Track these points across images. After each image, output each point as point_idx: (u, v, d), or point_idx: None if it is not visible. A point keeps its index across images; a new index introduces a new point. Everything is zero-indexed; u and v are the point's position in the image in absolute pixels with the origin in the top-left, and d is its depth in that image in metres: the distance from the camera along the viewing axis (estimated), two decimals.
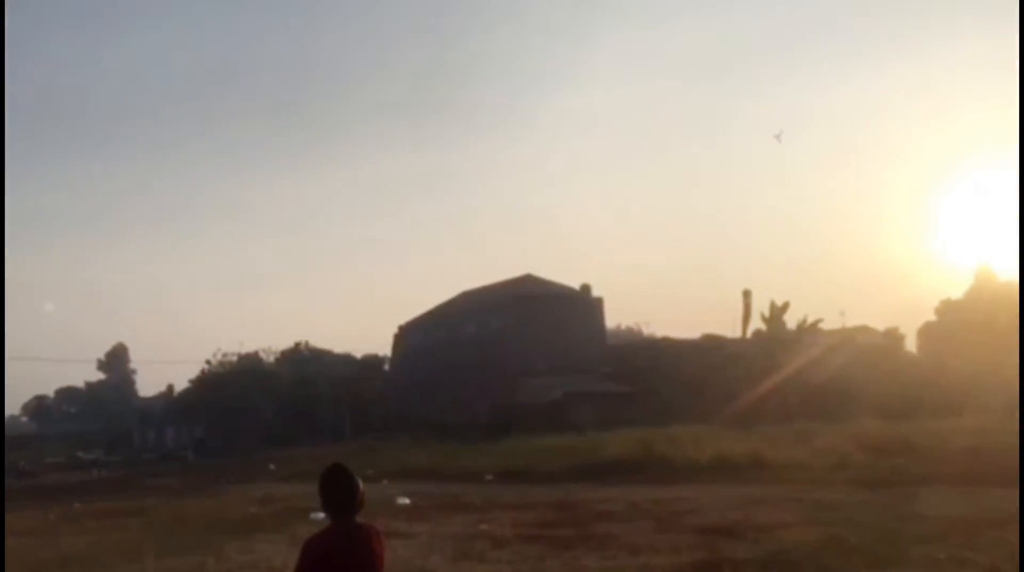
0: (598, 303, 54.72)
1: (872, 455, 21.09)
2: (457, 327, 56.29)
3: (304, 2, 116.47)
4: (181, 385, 67.86)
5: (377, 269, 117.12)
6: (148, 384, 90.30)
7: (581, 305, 53.46)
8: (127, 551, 13.31)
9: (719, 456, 21.84)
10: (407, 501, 18.19)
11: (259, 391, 54.45)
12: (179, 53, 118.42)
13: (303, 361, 61.85)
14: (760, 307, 44.83)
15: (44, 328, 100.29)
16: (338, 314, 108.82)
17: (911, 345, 51.10)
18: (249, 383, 55.36)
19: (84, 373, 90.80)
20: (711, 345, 46.71)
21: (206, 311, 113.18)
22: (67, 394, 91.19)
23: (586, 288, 54.92)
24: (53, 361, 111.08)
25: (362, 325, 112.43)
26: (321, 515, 3.76)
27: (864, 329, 50.06)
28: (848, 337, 46.04)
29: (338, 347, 66.48)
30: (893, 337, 49.74)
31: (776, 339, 43.14)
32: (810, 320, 44.93)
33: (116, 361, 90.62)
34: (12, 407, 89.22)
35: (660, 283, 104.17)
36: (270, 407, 53.86)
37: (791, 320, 44.77)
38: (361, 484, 3.67)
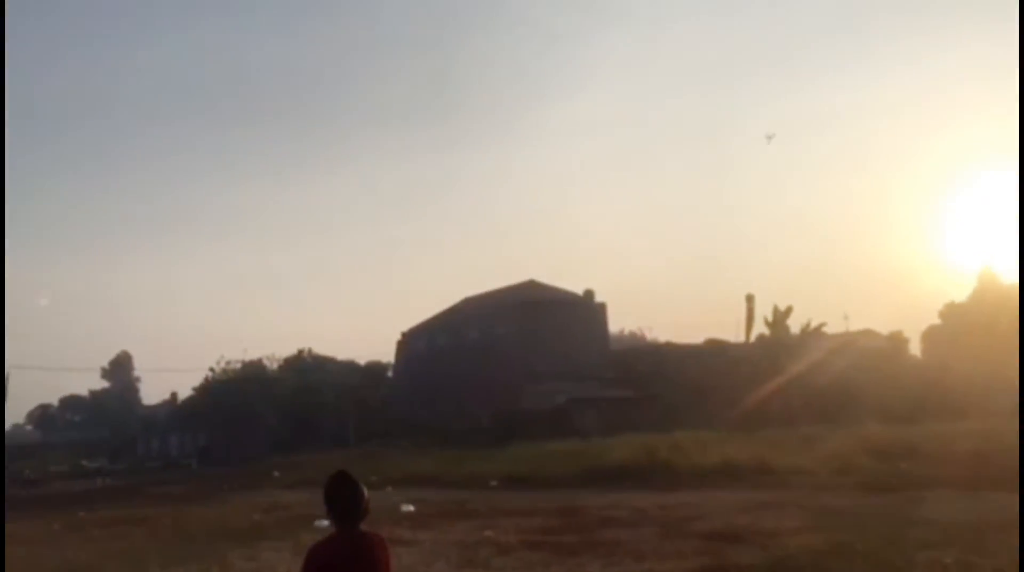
0: (601, 308, 54.73)
1: (877, 460, 21.01)
2: (460, 333, 56.31)
3: (312, 10, 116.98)
4: (185, 393, 68.04)
5: (380, 275, 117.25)
6: (152, 392, 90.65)
7: (584, 310, 53.47)
8: (131, 560, 13.32)
9: (724, 461, 21.79)
10: (411, 508, 18.15)
11: (263, 398, 54.43)
12: (183, 60, 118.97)
13: (306, 368, 61.83)
14: (763, 311, 44.84)
15: (48, 337, 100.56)
16: (341, 321, 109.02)
17: (915, 348, 51.04)
18: (253, 390, 55.35)
19: (88, 381, 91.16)
20: (714, 350, 46.65)
21: (209, 319, 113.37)
22: (71, 402, 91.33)
23: (589, 293, 54.93)
24: (57, 370, 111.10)
25: (365, 332, 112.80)
26: (325, 522, 3.76)
27: (867, 333, 49.99)
28: (851, 341, 45.97)
29: (341, 354, 66.65)
30: (897, 340, 49.59)
31: (779, 343, 43.06)
32: (813, 324, 44.86)
33: (120, 369, 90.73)
34: (16, 416, 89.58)
35: (663, 288, 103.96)
36: (274, 414, 53.81)
37: (794, 324, 44.76)
38: (366, 491, 3.67)
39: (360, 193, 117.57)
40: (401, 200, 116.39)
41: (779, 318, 44.52)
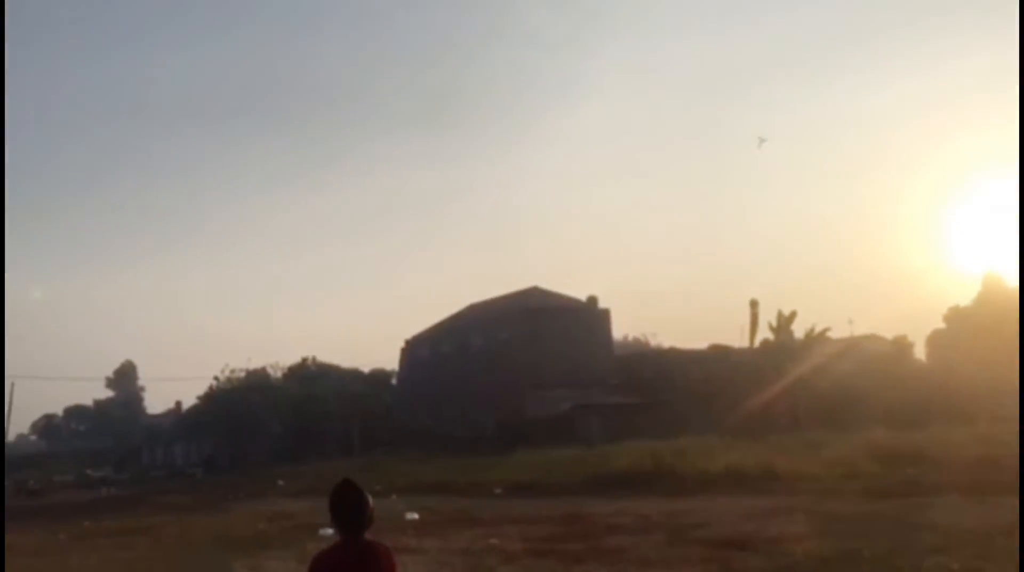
0: (605, 314, 54.64)
1: (882, 465, 20.92)
2: (464, 340, 56.24)
3: (321, 24, 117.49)
4: (189, 402, 68.00)
5: (383, 283, 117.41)
6: (156, 401, 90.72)
7: (588, 317, 53.39)
8: (136, 570, 13.31)
9: (729, 467, 21.72)
10: (416, 516, 18.14)
11: (267, 407, 54.42)
12: (194, 71, 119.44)
13: (310, 376, 61.81)
14: (767, 317, 44.73)
15: (52, 346, 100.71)
16: (345, 329, 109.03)
17: (919, 353, 50.92)
18: (257, 399, 55.35)
19: (92, 391, 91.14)
20: (718, 355, 46.55)
21: (213, 327, 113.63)
22: (76, 412, 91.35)
23: (593, 300, 54.86)
24: (61, 379, 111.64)
25: (369, 339, 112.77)
26: (330, 531, 3.75)
27: (872, 337, 49.80)
28: (856, 345, 45.79)
29: (345, 362, 66.52)
30: (901, 345, 49.45)
31: (784, 348, 42.94)
32: (818, 329, 44.71)
33: (124, 379, 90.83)
34: (21, 426, 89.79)
35: (667, 294, 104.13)
36: (278, 423, 53.82)
37: (799, 329, 44.61)
38: (371, 500, 3.66)
39: (364, 202, 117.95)
40: (405, 209, 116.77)
41: (783, 323, 44.41)
